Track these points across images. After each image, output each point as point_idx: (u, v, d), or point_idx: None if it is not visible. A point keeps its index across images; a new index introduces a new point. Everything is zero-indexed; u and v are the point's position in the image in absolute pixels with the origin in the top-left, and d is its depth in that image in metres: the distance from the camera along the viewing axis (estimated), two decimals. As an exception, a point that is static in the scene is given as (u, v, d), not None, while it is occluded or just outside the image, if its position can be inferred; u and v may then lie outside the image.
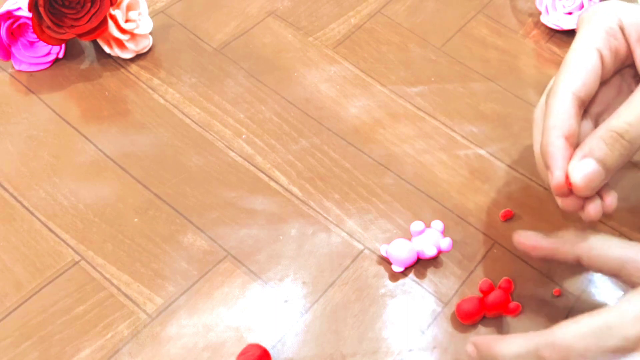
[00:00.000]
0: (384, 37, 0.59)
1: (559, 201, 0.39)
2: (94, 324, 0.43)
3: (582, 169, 0.37)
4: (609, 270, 0.39)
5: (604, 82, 0.40)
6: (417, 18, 0.61)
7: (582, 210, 0.39)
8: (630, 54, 0.39)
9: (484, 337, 0.39)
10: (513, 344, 0.36)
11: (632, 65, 0.40)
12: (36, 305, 0.43)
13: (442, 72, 0.57)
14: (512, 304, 0.43)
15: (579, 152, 0.37)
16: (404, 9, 0.62)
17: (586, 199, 0.38)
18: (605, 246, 0.39)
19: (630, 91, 0.40)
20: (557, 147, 0.38)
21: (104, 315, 0.43)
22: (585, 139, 0.38)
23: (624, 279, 0.38)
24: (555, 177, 0.38)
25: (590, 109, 0.40)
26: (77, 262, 0.45)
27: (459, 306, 0.43)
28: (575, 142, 0.38)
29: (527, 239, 0.42)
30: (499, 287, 0.44)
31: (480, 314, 0.43)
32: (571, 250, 0.40)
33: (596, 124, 0.40)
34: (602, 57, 0.39)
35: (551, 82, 0.41)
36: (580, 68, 0.38)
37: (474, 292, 0.45)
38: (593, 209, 0.38)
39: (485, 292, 0.43)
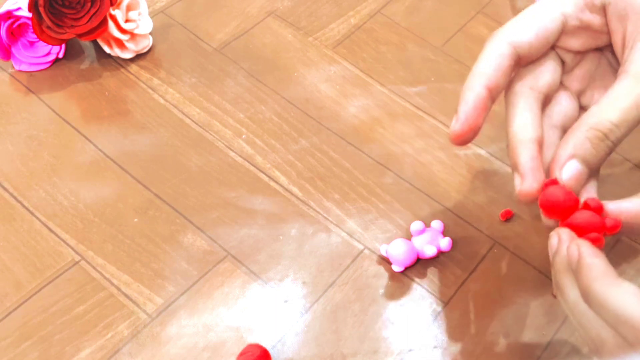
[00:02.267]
0: (383, 37, 0.59)
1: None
2: (94, 324, 0.43)
3: (569, 170, 0.35)
4: None
5: (580, 58, 0.38)
6: (416, 18, 0.61)
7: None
8: (605, 33, 0.37)
9: (593, 255, 0.31)
10: (628, 298, 0.29)
11: (610, 45, 0.38)
12: (36, 305, 0.43)
13: (442, 72, 0.57)
14: (610, 220, 0.33)
15: (564, 151, 0.35)
16: (404, 9, 0.62)
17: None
18: None
19: (610, 65, 0.38)
20: (480, 99, 0.36)
21: (104, 315, 0.43)
22: (570, 128, 0.35)
23: None
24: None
25: (570, 85, 0.39)
26: (77, 262, 0.45)
27: (544, 193, 0.35)
28: (496, 96, 0.37)
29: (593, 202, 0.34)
30: (586, 207, 0.35)
31: (574, 208, 0.35)
32: None
33: (579, 102, 0.39)
34: (564, 23, 0.36)
35: None
36: (529, 23, 0.36)
37: (474, 292, 0.45)
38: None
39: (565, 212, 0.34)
